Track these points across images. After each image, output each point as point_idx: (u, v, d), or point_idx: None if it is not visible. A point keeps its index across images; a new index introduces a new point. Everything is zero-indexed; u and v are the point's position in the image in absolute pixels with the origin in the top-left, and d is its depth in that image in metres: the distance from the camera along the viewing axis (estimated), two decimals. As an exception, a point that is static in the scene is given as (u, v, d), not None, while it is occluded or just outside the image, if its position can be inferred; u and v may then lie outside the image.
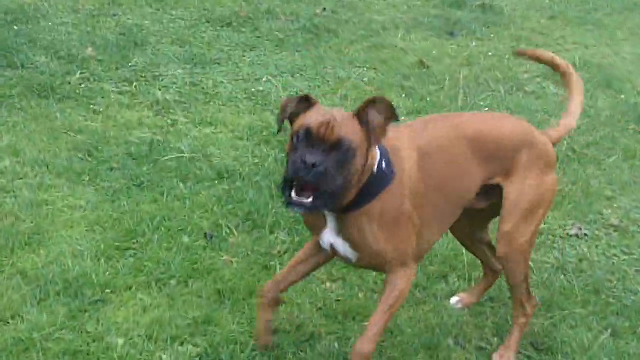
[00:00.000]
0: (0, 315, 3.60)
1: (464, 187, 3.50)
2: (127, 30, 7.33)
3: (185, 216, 4.52)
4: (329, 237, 3.30)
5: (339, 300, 4.00)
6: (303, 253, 3.63)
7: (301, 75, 6.68)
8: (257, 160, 5.16)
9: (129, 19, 7.68)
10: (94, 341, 3.52)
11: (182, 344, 3.56)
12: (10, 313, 3.62)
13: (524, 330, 3.80)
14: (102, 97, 5.94)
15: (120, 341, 3.53)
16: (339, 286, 4.12)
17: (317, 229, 3.36)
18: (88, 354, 3.43)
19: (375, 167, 3.19)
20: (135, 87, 6.21)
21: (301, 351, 3.61)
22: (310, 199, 3.02)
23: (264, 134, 5.57)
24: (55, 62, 6.48)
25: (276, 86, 6.33)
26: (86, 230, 4.29)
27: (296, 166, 3.00)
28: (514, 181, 3.53)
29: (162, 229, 4.37)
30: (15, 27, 7.11)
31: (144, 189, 4.74)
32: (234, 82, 6.46)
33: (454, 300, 4.15)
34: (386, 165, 3.22)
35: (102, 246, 4.16)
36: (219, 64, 6.72)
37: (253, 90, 6.34)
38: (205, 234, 4.41)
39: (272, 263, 4.18)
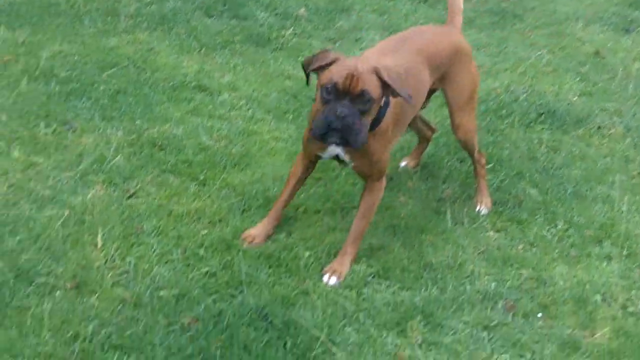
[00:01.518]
0: (210, 218, 3.91)
1: (422, 98, 3.94)
2: (336, -3, 7.63)
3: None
4: (334, 150, 3.57)
5: (499, 249, 4.03)
6: (297, 174, 3.86)
7: (484, 51, 6.62)
8: (438, 119, 5.26)
9: (339, -13, 7.98)
10: (284, 249, 3.77)
11: (358, 263, 3.76)
12: (218, 217, 3.93)
13: (486, 176, 4.46)
14: (309, 51, 6.19)
15: (307, 253, 3.78)
16: (500, 236, 4.15)
17: (322, 147, 3.58)
18: (278, 259, 3.68)
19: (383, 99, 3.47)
20: (339, 45, 6.46)
21: (461, 285, 3.72)
22: (341, 143, 3.37)
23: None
24: (273, 17, 6.84)
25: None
26: (285, 159, 4.53)
27: (328, 118, 3.27)
28: (452, 82, 4.04)
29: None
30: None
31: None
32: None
33: (402, 163, 4.74)
34: (385, 102, 3.52)
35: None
36: (411, 32, 6.83)
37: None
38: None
39: (442, 209, 4.29)
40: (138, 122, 4.69)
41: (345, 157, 3.59)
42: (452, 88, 4.05)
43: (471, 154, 4.36)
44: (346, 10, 7.27)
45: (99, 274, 3.37)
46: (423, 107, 4.18)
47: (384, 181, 3.77)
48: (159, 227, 3.76)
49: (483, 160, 4.40)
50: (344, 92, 3.26)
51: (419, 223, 4.14)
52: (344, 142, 3.34)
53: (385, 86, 3.34)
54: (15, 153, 4.16)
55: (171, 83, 5.31)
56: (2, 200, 3.75)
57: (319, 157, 3.72)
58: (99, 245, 3.53)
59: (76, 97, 4.87)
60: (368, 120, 3.37)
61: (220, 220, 3.91)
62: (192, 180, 4.21)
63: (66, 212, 3.71)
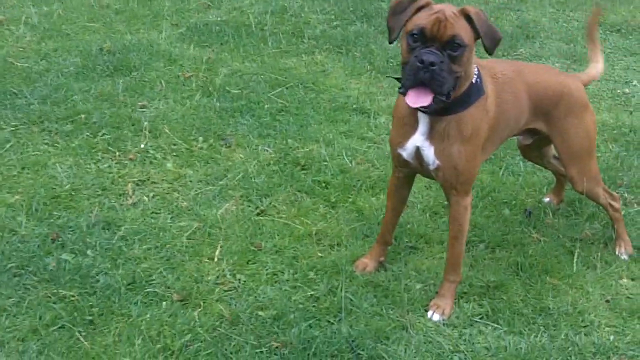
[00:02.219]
0: (330, 240, 3.82)
1: (517, 124, 3.53)
2: (523, 24, 7.20)
3: (513, 192, 4.41)
4: (417, 140, 3.21)
5: (629, 299, 3.58)
6: (392, 191, 3.58)
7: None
8: (598, 154, 4.79)
9: (529, 14, 7.54)
10: (394, 279, 3.61)
11: (468, 301, 3.51)
12: (338, 240, 3.83)
13: (623, 220, 4.01)
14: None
15: (417, 285, 3.59)
16: (634, 285, 3.68)
17: (405, 135, 3.24)
18: (386, 289, 3.51)
19: (474, 79, 3.15)
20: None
21: (576, 335, 3.34)
22: (429, 98, 2.96)
23: (614, 131, 5.16)
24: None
25: (643, 90, 5.78)
26: (423, 187, 4.36)
27: (415, 66, 2.91)
28: (560, 131, 3.61)
29: (489, 198, 4.30)
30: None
31: (487, 162, 4.69)
32: (603, 81, 5.98)
33: (546, 199, 4.35)
34: (480, 81, 3.20)
35: (431, 202, 4.24)
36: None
37: (619, 91, 5.84)
38: (525, 209, 4.26)
39: (576, 250, 3.88)
40: (290, 141, 4.74)
41: (428, 153, 3.19)
42: (560, 138, 3.62)
43: (598, 202, 3.93)
44: (530, 37, 6.89)
45: (208, 288, 3.41)
46: (527, 144, 3.85)
47: (469, 198, 3.34)
48: (278, 246, 3.75)
49: (616, 204, 3.92)
50: (432, 38, 2.92)
51: (546, 263, 3.77)
52: (434, 92, 2.95)
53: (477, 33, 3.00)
54: (169, 164, 4.37)
55: (334, 104, 5.32)
56: (145, 209, 3.96)
57: (405, 163, 3.35)
58: (216, 259, 3.60)
59: (241, 114, 5.03)
60: (459, 69, 2.98)
61: (339, 244, 3.82)
62: (323, 201, 4.17)
63: (196, 224, 3.83)
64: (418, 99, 2.96)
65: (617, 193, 4.16)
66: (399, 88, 3.06)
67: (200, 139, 4.66)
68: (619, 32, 7.10)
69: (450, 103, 3.06)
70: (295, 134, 4.84)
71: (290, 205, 4.10)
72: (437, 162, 3.21)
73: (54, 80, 5.18)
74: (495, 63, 3.52)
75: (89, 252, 3.54)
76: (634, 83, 6.01)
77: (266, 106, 5.18)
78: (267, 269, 3.58)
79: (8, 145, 4.37)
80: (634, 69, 6.30)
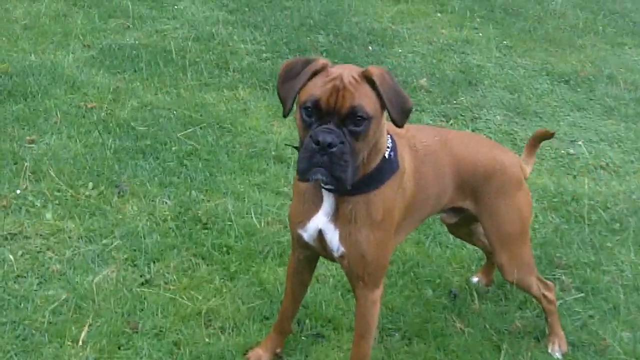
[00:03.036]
0: (223, 322, 3.32)
1: (439, 202, 3.11)
2: (467, 69, 6.82)
3: (439, 267, 3.99)
4: (320, 221, 2.75)
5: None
6: (291, 271, 3.12)
7: (619, 146, 5.59)
8: (536, 226, 4.44)
9: (474, 58, 7.18)
10: (291, 375, 3.19)
11: (373, 406, 3.09)
12: (232, 322, 3.33)
13: (557, 313, 3.55)
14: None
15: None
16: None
17: (307, 213, 2.78)
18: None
19: (387, 153, 2.70)
20: (451, 124, 5.77)
21: None
22: (327, 179, 2.51)
23: (555, 200, 4.80)
24: (392, 85, 6.29)
25: (589, 153, 5.43)
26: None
27: (311, 148, 2.47)
28: (489, 211, 3.19)
29: (411, 274, 3.88)
30: (370, 48, 7.05)
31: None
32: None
33: (474, 279, 3.92)
34: (394, 154, 2.75)
35: (345, 278, 3.81)
36: (540, 117, 5.91)
37: (562, 151, 5.46)
38: (451, 290, 3.85)
39: (504, 346, 3.49)
40: (194, 192, 4.25)
41: (332, 238, 2.74)
42: (490, 220, 3.20)
43: (530, 293, 3.50)
44: (473, 84, 6.50)
45: None
46: (453, 223, 3.44)
47: (379, 290, 2.87)
48: (159, 327, 3.24)
49: (551, 295, 3.48)
50: (329, 112, 2.47)
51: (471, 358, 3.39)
52: (333, 180, 2.50)
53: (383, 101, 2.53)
54: (48, 214, 3.83)
55: (251, 149, 4.85)
56: (9, 270, 3.42)
57: (306, 245, 2.89)
58: (81, 342, 3.07)
59: (143, 156, 4.52)
60: (364, 146, 2.53)
61: (233, 327, 3.33)
62: (222, 269, 3.68)
63: (64, 295, 3.31)
64: (316, 176, 2.53)
65: (554, 275, 3.80)
66: (296, 172, 2.60)
67: (90, 184, 4.14)
68: (567, 84, 6.74)
69: (357, 182, 2.62)
70: (201, 184, 4.36)
71: (181, 274, 3.61)
72: (341, 248, 2.76)
73: None
74: (417, 131, 3.08)
75: None
76: (579, 143, 5.64)
77: (174, 148, 4.68)
78: (140, 358, 3.08)
79: None
80: (581, 126, 5.96)
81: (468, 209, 3.22)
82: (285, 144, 4.72)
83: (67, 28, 6.19)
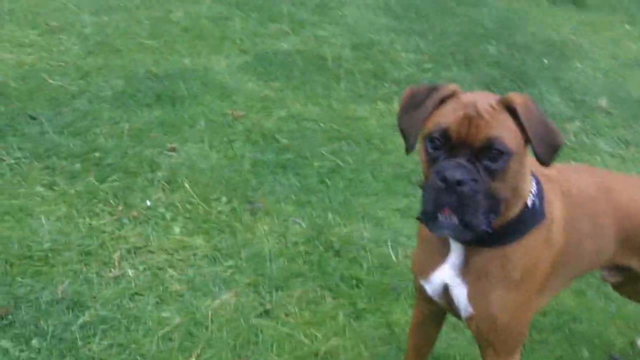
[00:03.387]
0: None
1: (596, 259, 2.62)
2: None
3: (600, 323, 3.48)
4: (446, 275, 2.35)
5: None
6: (415, 334, 2.75)
7: None
8: None
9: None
10: None
11: None
12: (351, 367, 3.15)
13: None
14: (592, 158, 5.02)
15: None
16: None
17: (431, 264, 2.38)
18: None
19: (530, 199, 2.26)
20: (632, 153, 5.14)
21: None
22: (455, 232, 2.12)
23: None
24: (565, 104, 5.73)
25: None
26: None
27: (437, 186, 2.06)
28: None
29: (567, 330, 3.41)
30: (545, 61, 6.51)
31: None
32: None
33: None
34: (540, 202, 2.30)
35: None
36: None
37: None
38: (611, 355, 3.32)
39: None
40: (330, 214, 3.99)
41: (459, 295, 2.35)
42: None
43: None
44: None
45: None
46: (616, 282, 2.91)
47: (517, 358, 2.45)
48: (270, 366, 3.04)
49: None
50: (461, 144, 2.10)
51: None
52: (461, 228, 2.10)
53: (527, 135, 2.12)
54: (177, 229, 3.72)
55: (398, 170, 4.54)
56: (127, 287, 3.31)
57: (430, 300, 2.50)
58: None
59: (283, 171, 4.32)
60: (502, 188, 2.12)
61: None
62: (348, 305, 3.39)
63: (178, 319, 3.15)
64: (445, 221, 2.14)
65: None
66: (420, 215, 2.26)
67: (224, 199, 3.99)
68: None
69: (492, 232, 2.21)
70: (339, 206, 4.09)
71: (304, 307, 3.35)
72: (469, 309, 2.35)
73: (84, 106, 4.66)
74: (571, 173, 2.62)
75: (34, 341, 2.91)
76: None
77: (316, 164, 4.46)
78: (246, 399, 2.87)
79: (-2, 182, 3.86)
80: None
81: (634, 269, 2.73)
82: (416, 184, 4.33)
83: (225, 32, 6.15)
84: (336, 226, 3.93)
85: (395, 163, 4.63)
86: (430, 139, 2.14)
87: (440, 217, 2.11)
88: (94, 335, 2.99)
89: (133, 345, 2.97)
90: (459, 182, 2.05)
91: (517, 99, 2.13)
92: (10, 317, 3.00)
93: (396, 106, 5.33)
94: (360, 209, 4.10)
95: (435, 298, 2.45)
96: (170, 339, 3.04)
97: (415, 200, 4.23)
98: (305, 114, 5.02)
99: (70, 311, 3.09)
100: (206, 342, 3.04)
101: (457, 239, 2.26)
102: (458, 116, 2.09)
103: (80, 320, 3.04)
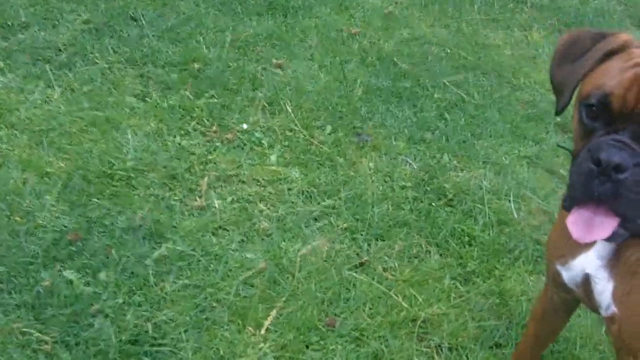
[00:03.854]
0: (439, 338, 2.70)
1: None
2: None
3: None
4: (589, 264, 1.87)
5: None
6: (538, 321, 2.27)
7: None
8: None
9: None
10: None
11: None
12: (449, 341, 2.64)
13: None
14: None
15: None
16: None
17: (572, 249, 1.89)
18: None
19: None
20: None
21: None
22: (609, 227, 1.63)
23: None
24: None
25: None
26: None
27: (587, 169, 1.61)
28: None
29: None
30: None
31: None
32: None
33: None
34: None
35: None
36: None
37: None
38: None
39: None
40: (446, 156, 3.51)
41: (603, 291, 1.89)
42: None
43: None
44: None
45: None
46: None
47: None
48: (360, 330, 2.62)
49: None
50: (625, 116, 1.63)
51: None
52: (623, 222, 1.65)
53: None
54: (273, 157, 3.32)
55: (530, 110, 3.99)
56: (211, 219, 2.97)
57: (565, 287, 2.04)
58: (263, 331, 2.53)
59: (398, 102, 3.86)
60: None
61: (453, 349, 2.60)
62: (456, 266, 2.94)
63: (262, 263, 2.81)
64: (588, 228, 1.68)
65: None
66: (563, 200, 1.78)
67: (329, 128, 3.58)
68: None
69: None
70: (458, 147, 3.61)
71: (406, 262, 2.95)
72: (613, 308, 1.88)
73: (189, 9, 4.29)
74: None
75: (102, 274, 2.63)
76: None
77: (436, 95, 3.97)
78: (329, 366, 2.52)
79: (86, 88, 3.55)
80: None
81: None
82: (558, 145, 3.74)
83: None
84: (451, 170, 3.47)
85: (527, 101, 4.09)
86: (586, 105, 1.66)
87: (587, 211, 1.65)
88: (169, 272, 2.70)
89: (210, 289, 2.66)
90: (618, 167, 1.58)
91: None
92: (79, 243, 2.73)
93: (535, 36, 4.76)
94: (481, 152, 3.62)
95: (572, 287, 2.00)
96: (252, 286, 2.71)
97: (546, 148, 3.71)
98: (431, 36, 4.49)
99: (147, 242, 2.80)
100: (290, 294, 2.70)
101: (610, 240, 1.78)
102: (626, 78, 1.61)
103: (156, 254, 2.75)
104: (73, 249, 2.70)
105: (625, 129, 1.61)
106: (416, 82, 4.04)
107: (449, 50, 4.37)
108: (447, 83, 4.06)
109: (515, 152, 3.68)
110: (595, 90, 1.65)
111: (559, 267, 2.01)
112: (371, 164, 3.42)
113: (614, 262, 1.86)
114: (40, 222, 2.77)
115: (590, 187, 1.63)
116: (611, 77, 1.63)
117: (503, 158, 3.60)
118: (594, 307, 2.00)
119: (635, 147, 1.60)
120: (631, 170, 1.59)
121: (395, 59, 4.19)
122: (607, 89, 1.62)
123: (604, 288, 1.89)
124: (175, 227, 2.90)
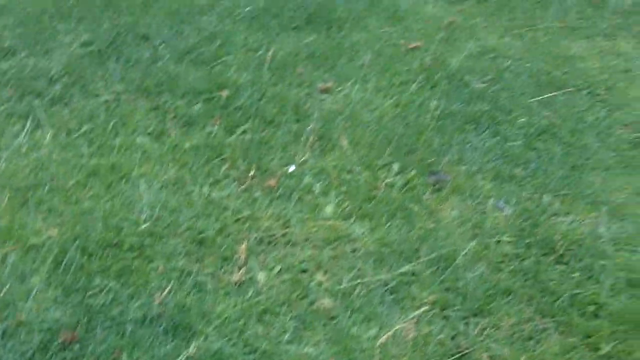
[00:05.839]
0: None
1: None
2: None
3: None
4: None
5: None
6: None
7: None
8: None
9: None
10: None
11: None
12: None
13: None
14: None
15: None
16: None
17: None
18: None
19: None
20: None
21: None
22: None
23: None
24: None
25: None
26: None
27: None
28: None
29: None
30: None
31: None
32: None
33: None
34: None
35: None
36: None
37: None
38: None
39: None
40: (545, 197, 2.78)
41: None
42: None
43: None
44: None
45: None
46: None
47: None
48: None
49: None
50: None
51: None
52: None
53: None
54: (329, 208, 2.59)
55: (636, 135, 3.25)
56: (255, 300, 2.23)
57: None
58: None
59: (475, 129, 3.12)
60: None
61: None
62: (584, 347, 2.19)
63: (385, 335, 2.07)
64: None
65: None
66: None
67: (396, 166, 2.84)
68: None
69: None
70: (558, 184, 2.86)
71: (515, 343, 2.20)
72: None
73: (212, 25, 3.62)
74: None
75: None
76: None
77: (520, 120, 3.22)
78: None
79: (86, 128, 2.84)
80: None
81: None
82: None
83: None
84: (556, 216, 2.71)
85: (630, 123, 3.33)
86: None
87: None
88: (204, 380, 1.97)
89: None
90: None
91: None
92: (77, 346, 2.00)
93: (623, 45, 4.02)
94: (588, 189, 2.86)
95: None
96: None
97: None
98: (503, 49, 3.76)
99: (169, 338, 2.06)
100: (370, 405, 1.95)
101: None
102: None
103: (183, 355, 2.02)
104: (68, 354, 1.96)
105: None
106: (494, 105, 3.30)
107: (527, 65, 3.64)
108: (532, 103, 3.32)
109: (629, 186, 2.92)
110: None
111: None
112: (454, 211, 2.67)
113: None
114: (24, 317, 2.04)
115: None
116: None
117: (617, 195, 2.84)
118: None
119: None
120: None
121: (465, 77, 3.46)
122: None
123: None
124: (206, 314, 2.16)
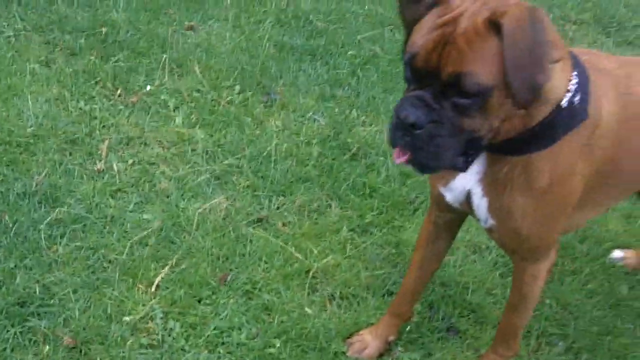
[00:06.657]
0: (332, 288, 2.74)
1: None
2: None
3: (644, 261, 3.05)
4: (468, 180, 2.01)
5: None
6: (423, 248, 2.39)
7: None
8: None
9: None
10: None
11: None
12: (342, 291, 2.72)
13: None
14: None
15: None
16: None
17: (449, 172, 2.02)
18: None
19: (566, 98, 1.84)
20: None
21: None
22: (407, 160, 1.80)
23: None
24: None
25: None
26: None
27: (393, 122, 1.78)
28: None
29: (604, 260, 3.01)
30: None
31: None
32: None
33: (616, 254, 3.05)
34: (580, 99, 1.87)
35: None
36: None
37: None
38: (653, 299, 2.92)
39: None
40: (355, 112, 3.57)
41: (479, 205, 2.03)
42: None
43: None
44: None
45: (117, 335, 2.42)
46: None
47: (545, 263, 2.16)
48: (252, 283, 2.68)
49: None
50: (428, 74, 1.70)
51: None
52: (417, 168, 1.83)
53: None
54: (178, 119, 3.33)
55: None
56: (110, 182, 2.98)
57: (449, 208, 2.18)
58: (154, 287, 2.57)
59: (311, 60, 3.90)
60: (481, 123, 1.73)
61: (345, 298, 2.66)
62: (355, 218, 3.00)
63: (158, 223, 2.83)
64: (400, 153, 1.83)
65: None
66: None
67: (237, 88, 3.61)
68: None
69: (515, 140, 1.85)
70: (367, 102, 3.66)
71: (305, 217, 3.00)
72: (490, 220, 2.03)
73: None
74: (636, 67, 2.14)
75: (-5, 237, 2.68)
76: None
77: (350, 52, 4.00)
78: (218, 321, 2.57)
79: (-8, 58, 3.55)
80: None
81: None
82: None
83: None
84: (359, 125, 3.52)
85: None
86: (404, 62, 1.76)
87: (395, 153, 1.81)
88: (62, 235, 2.73)
89: (103, 250, 2.70)
90: (413, 125, 1.71)
91: (510, 12, 1.64)
92: (-30, 211, 2.76)
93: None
94: (390, 105, 3.66)
95: (456, 205, 2.12)
96: (147, 245, 2.76)
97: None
98: (349, -7, 4.52)
99: (42, 206, 2.83)
100: (185, 251, 2.74)
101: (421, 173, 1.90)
102: (430, 39, 1.68)
103: (50, 218, 2.78)
104: (-35, 214, 2.73)
105: (429, 85, 1.70)
106: (331, 40, 4.07)
107: (367, 7, 4.40)
108: (362, 40, 4.10)
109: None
110: (408, 49, 1.74)
111: (441, 189, 2.13)
112: (278, 122, 3.46)
113: (487, 179, 1.99)
114: None
115: (395, 137, 1.79)
116: (421, 36, 1.71)
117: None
118: (477, 218, 2.12)
119: (434, 104, 1.70)
120: (425, 128, 1.72)
121: (311, 17, 4.21)
122: (415, 48, 1.71)
123: (479, 203, 2.04)
124: (72, 191, 2.93)
